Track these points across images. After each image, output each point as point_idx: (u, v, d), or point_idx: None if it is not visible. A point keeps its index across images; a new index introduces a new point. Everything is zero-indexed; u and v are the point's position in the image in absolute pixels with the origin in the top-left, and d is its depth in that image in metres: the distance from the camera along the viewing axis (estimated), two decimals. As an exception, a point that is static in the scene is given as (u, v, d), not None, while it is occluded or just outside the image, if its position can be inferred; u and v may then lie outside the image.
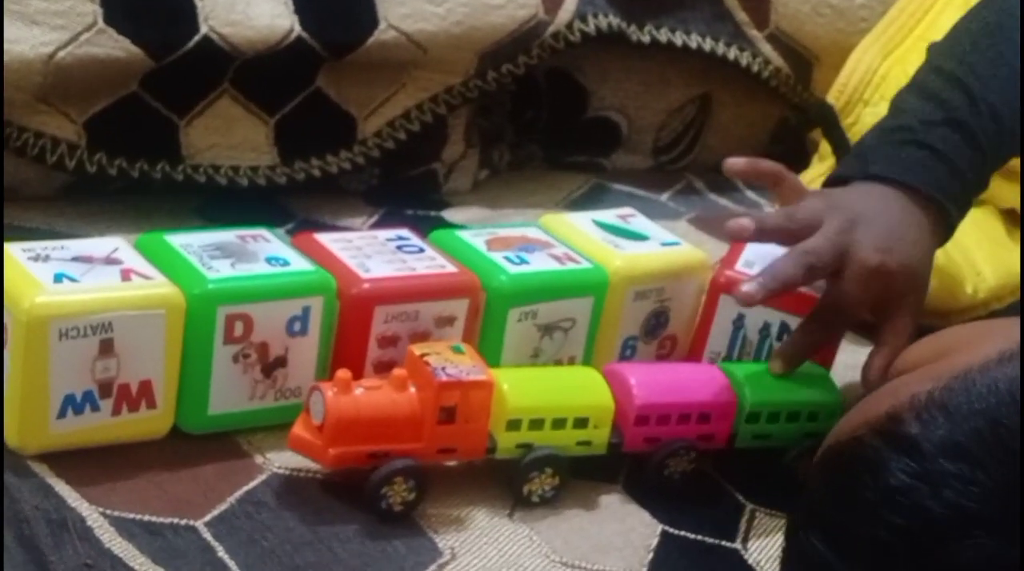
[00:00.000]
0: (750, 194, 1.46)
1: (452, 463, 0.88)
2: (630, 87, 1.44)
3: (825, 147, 1.37)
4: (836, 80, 1.33)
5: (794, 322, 0.98)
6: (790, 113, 1.50)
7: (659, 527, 0.89)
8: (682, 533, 0.89)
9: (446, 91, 1.28)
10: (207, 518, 0.81)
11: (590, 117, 1.45)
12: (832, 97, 1.32)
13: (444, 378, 0.83)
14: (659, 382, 0.92)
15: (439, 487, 0.87)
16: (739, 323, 1.00)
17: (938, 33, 1.07)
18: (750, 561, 0.88)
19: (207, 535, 0.80)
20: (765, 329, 1.00)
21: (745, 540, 0.90)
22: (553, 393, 0.89)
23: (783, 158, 1.45)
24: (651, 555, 0.86)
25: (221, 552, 0.79)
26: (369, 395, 0.83)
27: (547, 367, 0.95)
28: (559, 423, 0.88)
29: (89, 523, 0.78)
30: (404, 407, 0.84)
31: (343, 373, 0.83)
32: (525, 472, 0.87)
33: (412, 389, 0.84)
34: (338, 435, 0.82)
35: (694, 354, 1.02)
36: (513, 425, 0.86)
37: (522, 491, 0.87)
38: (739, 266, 1.00)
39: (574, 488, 0.90)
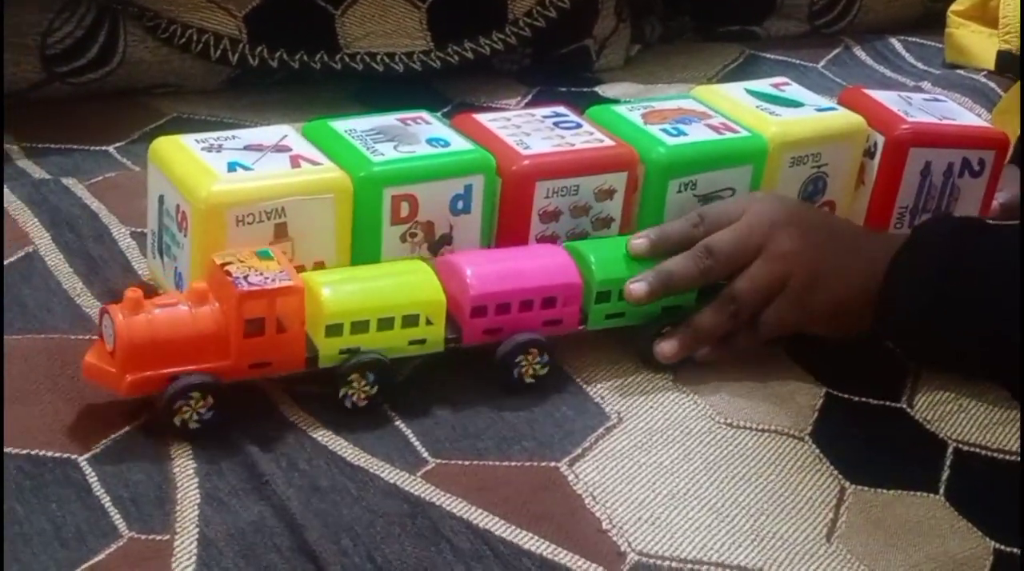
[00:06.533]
0: (910, 59, 1.44)
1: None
2: (783, -50, 1.42)
3: None
4: (1000, 28, 1.29)
5: (973, 157, 0.97)
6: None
7: (823, 389, 0.90)
8: (846, 395, 0.90)
9: (595, -35, 1.28)
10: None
11: (742, -17, 1.43)
12: (1005, 42, 1.28)
13: (246, 288, 0.77)
14: (496, 269, 0.86)
15: (601, 354, 0.88)
16: (926, 171, 0.99)
17: None
18: (918, 418, 0.89)
19: (386, 408, 0.83)
20: (948, 170, 1.00)
21: (911, 399, 0.90)
22: (375, 292, 0.82)
23: (943, 15, 1.43)
24: (816, 415, 0.87)
25: (398, 422, 0.83)
26: (164, 313, 0.77)
27: (371, 266, 0.87)
28: (386, 323, 0.82)
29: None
30: (205, 323, 0.77)
31: (132, 292, 0.78)
32: (343, 377, 0.81)
33: (215, 303, 0.78)
34: (132, 360, 0.76)
35: (884, 210, 1.01)
36: (334, 330, 0.80)
37: (339, 395, 0.81)
38: (908, 119, 0.99)
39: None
